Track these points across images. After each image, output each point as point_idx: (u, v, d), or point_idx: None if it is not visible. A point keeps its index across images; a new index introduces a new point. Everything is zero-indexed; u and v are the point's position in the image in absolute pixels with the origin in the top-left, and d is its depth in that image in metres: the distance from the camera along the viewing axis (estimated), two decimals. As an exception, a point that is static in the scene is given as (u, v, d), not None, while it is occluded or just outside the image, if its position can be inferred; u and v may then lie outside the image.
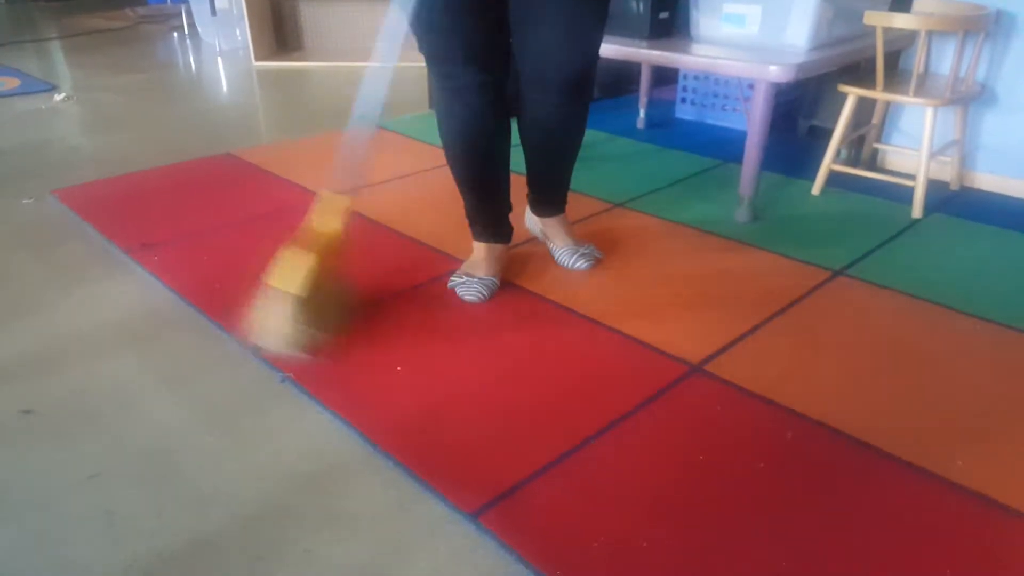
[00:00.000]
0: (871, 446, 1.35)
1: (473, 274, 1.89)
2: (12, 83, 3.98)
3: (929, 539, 1.15)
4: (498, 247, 1.94)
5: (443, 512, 1.21)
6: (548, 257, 2.05)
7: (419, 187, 2.56)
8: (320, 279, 1.58)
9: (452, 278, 1.91)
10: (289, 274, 1.56)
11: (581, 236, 2.10)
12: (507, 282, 1.92)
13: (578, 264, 1.99)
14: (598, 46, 1.74)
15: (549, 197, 2.02)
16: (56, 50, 4.99)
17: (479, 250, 1.93)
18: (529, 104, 1.83)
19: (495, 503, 1.21)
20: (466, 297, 1.85)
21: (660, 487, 1.25)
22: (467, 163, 1.83)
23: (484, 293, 1.85)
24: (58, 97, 3.71)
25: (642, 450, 1.34)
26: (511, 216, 1.97)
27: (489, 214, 1.91)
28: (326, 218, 1.65)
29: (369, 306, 1.81)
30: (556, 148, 1.92)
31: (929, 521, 1.19)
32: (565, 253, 2.01)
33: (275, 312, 1.59)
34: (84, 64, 4.55)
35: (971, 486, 1.26)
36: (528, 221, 2.15)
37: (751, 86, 2.86)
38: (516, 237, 2.05)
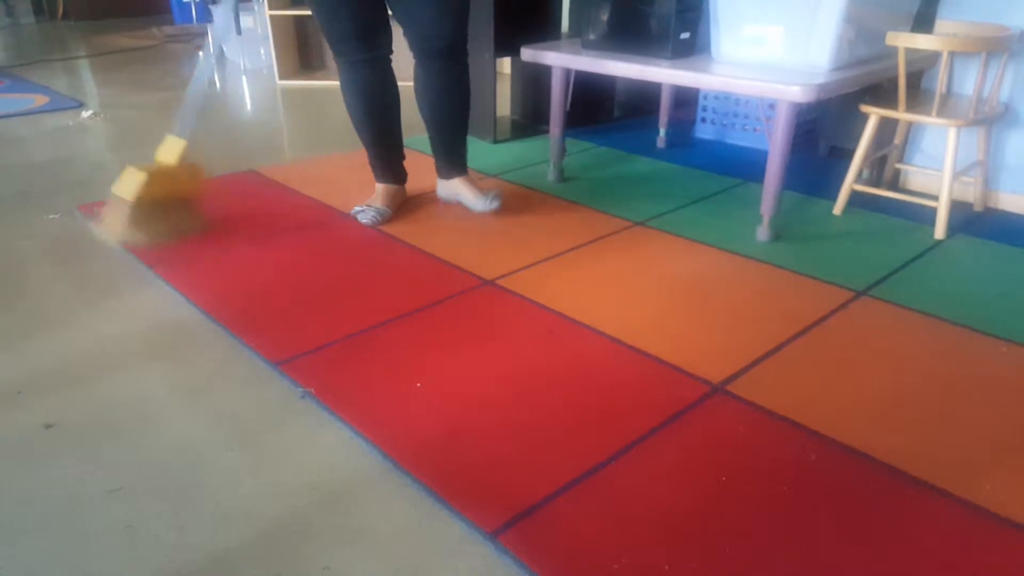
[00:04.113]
0: (896, 469, 1.33)
1: (372, 205, 2.41)
2: (41, 100, 4.06)
3: (954, 564, 1.13)
4: (393, 187, 2.49)
5: (462, 531, 1.20)
6: (569, 276, 2.05)
7: (438, 204, 2.58)
8: (153, 194, 2.11)
9: (355, 208, 2.42)
10: (126, 185, 2.08)
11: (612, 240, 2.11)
12: (526, 299, 1.92)
13: (492, 206, 2.41)
14: (467, 17, 2.24)
15: (452, 159, 2.48)
16: (84, 68, 5.08)
17: (379, 189, 2.48)
18: (420, 74, 2.32)
19: (514, 522, 1.20)
20: (363, 220, 2.38)
21: (681, 509, 1.24)
22: (366, 121, 2.36)
23: (378, 218, 2.38)
24: (85, 114, 3.78)
25: (663, 471, 1.32)
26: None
27: (385, 161, 2.46)
28: (166, 152, 2.20)
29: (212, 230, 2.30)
30: (448, 109, 2.38)
31: (955, 546, 1.17)
32: (478, 202, 2.43)
33: (114, 213, 2.12)
34: (111, 82, 4.63)
35: (998, 511, 1.23)
36: (440, 191, 2.57)
37: (772, 106, 2.86)
38: (532, 255, 2.06)
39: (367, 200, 2.47)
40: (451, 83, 2.33)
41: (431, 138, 2.46)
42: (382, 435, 1.41)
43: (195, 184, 2.31)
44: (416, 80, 2.34)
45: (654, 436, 1.41)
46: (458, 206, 2.54)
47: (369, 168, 2.52)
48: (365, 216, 2.39)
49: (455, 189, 2.50)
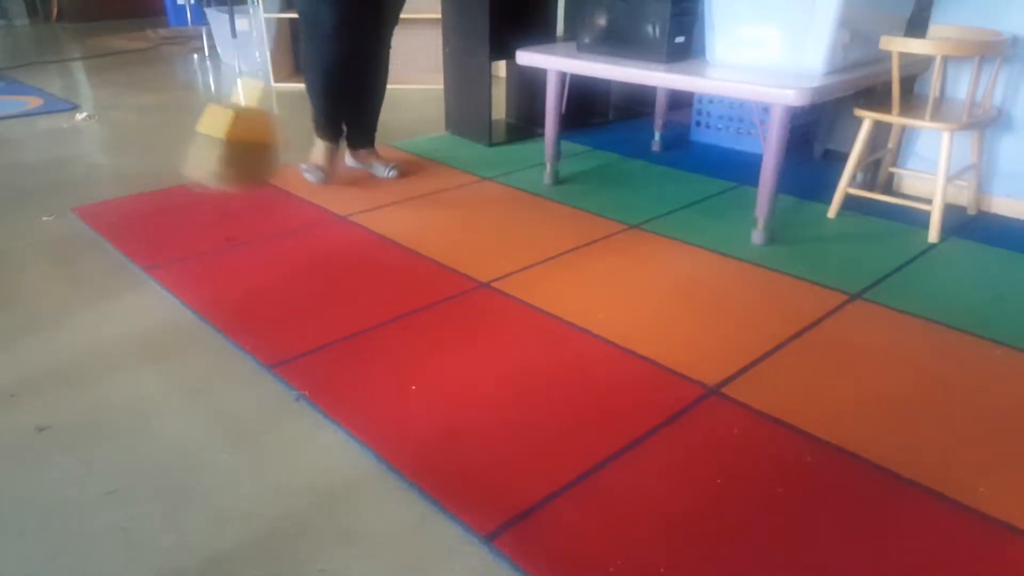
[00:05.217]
0: (891, 471, 1.33)
1: (316, 163, 2.80)
2: (36, 102, 4.05)
3: (950, 566, 1.14)
4: (330, 145, 2.83)
5: (458, 533, 1.20)
6: (564, 279, 2.05)
7: (435, 206, 2.58)
8: (240, 134, 2.07)
9: (301, 166, 2.80)
10: (213, 123, 2.05)
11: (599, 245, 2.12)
12: (522, 301, 1.92)
13: (390, 174, 2.85)
14: (397, 15, 2.76)
15: (362, 130, 2.89)
16: (79, 70, 5.07)
17: (322, 146, 2.82)
18: (361, 58, 2.69)
19: (510, 525, 1.20)
20: (309, 178, 2.78)
21: (677, 511, 1.24)
22: (324, 94, 2.74)
23: (322, 176, 2.78)
24: (80, 116, 3.77)
25: (659, 473, 1.33)
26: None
27: (333, 127, 2.81)
28: (244, 94, 2.27)
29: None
30: (380, 86, 2.86)
31: (950, 548, 1.17)
32: (380, 169, 2.87)
33: (202, 152, 2.07)
34: (106, 84, 4.62)
35: (993, 513, 1.24)
36: (349, 159, 2.95)
37: (767, 109, 2.87)
38: (528, 258, 2.07)
39: (310, 159, 2.83)
40: (385, 64, 2.80)
41: (354, 113, 2.84)
42: (378, 437, 1.41)
43: (273, 130, 2.28)
44: (356, 60, 2.69)
45: (650, 438, 1.41)
46: (456, 209, 2.54)
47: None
48: (311, 175, 2.79)
49: (362, 158, 2.92)
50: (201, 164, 2.09)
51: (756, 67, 2.30)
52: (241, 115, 2.11)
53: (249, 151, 2.15)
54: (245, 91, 2.26)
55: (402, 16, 2.79)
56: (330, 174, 2.81)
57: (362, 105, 2.84)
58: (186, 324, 1.83)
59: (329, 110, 2.78)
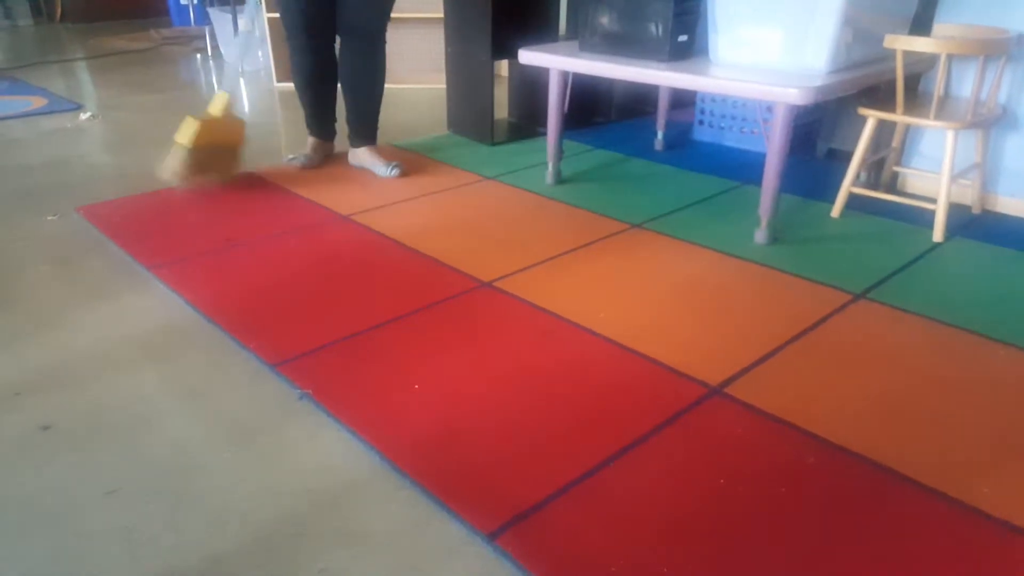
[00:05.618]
0: (894, 471, 1.33)
1: (303, 153, 3.01)
2: (39, 102, 4.05)
3: (953, 567, 1.13)
4: (319, 141, 3.04)
5: (460, 532, 1.20)
6: (567, 278, 2.05)
7: (437, 206, 2.58)
8: (205, 140, 2.57)
9: (289, 156, 3.02)
10: (183, 133, 2.55)
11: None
12: (524, 301, 1.92)
13: (392, 173, 2.87)
14: (387, 12, 2.75)
15: (362, 129, 2.95)
16: (82, 70, 5.08)
17: (309, 141, 3.05)
18: (344, 53, 2.82)
19: (512, 524, 1.20)
20: (296, 164, 2.98)
21: (679, 511, 1.24)
22: (306, 91, 2.92)
23: (305, 161, 2.98)
24: (83, 116, 3.77)
25: (661, 473, 1.32)
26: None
27: (317, 121, 3.01)
28: (214, 106, 2.68)
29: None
30: (362, 84, 2.87)
31: (953, 548, 1.17)
32: (381, 168, 2.89)
33: (173, 155, 2.59)
34: (109, 84, 4.62)
35: (997, 514, 1.23)
36: (351, 159, 3.02)
37: (769, 108, 2.87)
38: (530, 257, 2.06)
39: (301, 151, 3.03)
40: (371, 65, 2.83)
41: (348, 109, 2.92)
42: (380, 436, 1.41)
43: (239, 133, 2.76)
44: (341, 59, 2.83)
45: (652, 438, 1.41)
46: (458, 208, 2.54)
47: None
48: (296, 160, 2.98)
49: (363, 158, 2.96)
50: (174, 169, 2.59)
51: (759, 66, 2.29)
52: (207, 124, 2.57)
53: (212, 154, 2.64)
54: (215, 102, 2.68)
55: (404, 16, 2.81)
56: (312, 159, 2.99)
57: (355, 104, 2.88)
58: (189, 323, 1.83)
59: (306, 106, 2.97)
